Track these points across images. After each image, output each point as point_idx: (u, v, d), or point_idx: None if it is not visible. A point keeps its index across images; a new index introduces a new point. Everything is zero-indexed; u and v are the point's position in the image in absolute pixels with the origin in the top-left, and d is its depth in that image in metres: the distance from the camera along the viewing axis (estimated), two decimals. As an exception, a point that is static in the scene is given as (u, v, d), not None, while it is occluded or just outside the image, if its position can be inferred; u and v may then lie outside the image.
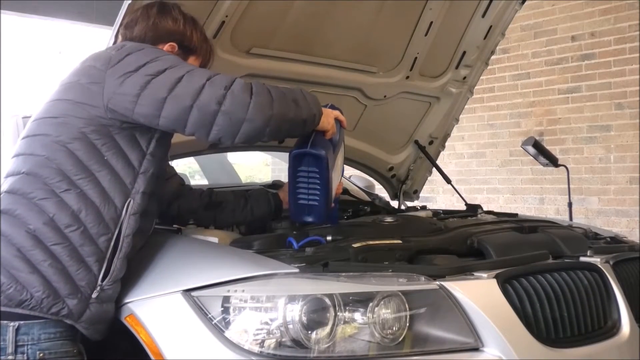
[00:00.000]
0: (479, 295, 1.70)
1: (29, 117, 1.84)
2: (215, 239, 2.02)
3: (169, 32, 1.89)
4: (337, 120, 2.00)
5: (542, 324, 1.76)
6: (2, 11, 6.48)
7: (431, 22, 2.83)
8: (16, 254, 1.60)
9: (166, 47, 1.87)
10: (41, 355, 1.61)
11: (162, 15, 1.90)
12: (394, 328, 1.62)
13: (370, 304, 1.61)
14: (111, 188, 1.69)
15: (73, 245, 1.63)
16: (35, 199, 1.64)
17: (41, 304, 1.59)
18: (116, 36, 1.92)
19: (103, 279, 1.67)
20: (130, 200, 1.71)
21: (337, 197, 2.19)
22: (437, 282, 1.69)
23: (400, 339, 1.62)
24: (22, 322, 1.59)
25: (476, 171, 6.33)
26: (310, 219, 1.96)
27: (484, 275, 1.77)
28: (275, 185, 2.85)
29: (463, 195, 3.27)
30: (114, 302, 1.72)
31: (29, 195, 1.65)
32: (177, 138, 2.44)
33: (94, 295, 1.65)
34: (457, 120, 3.34)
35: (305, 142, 1.90)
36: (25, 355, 1.60)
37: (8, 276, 1.58)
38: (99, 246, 1.66)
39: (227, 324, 1.60)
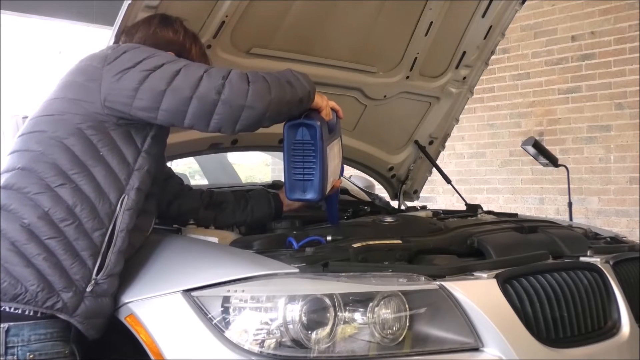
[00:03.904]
0: (479, 295, 1.70)
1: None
2: (215, 239, 2.02)
3: (168, 41, 1.90)
4: (333, 111, 2.01)
5: (542, 324, 1.76)
6: (2, 11, 6.48)
7: (431, 22, 2.83)
8: (10, 248, 1.61)
9: None
10: (31, 356, 1.61)
11: (163, 25, 1.93)
12: (394, 328, 1.62)
13: (370, 304, 1.61)
14: (106, 183, 1.70)
15: (68, 240, 1.64)
16: (30, 194, 1.65)
17: (36, 297, 1.59)
18: (117, 41, 1.94)
19: (97, 273, 1.68)
20: (124, 196, 1.72)
21: (336, 190, 2.18)
22: (437, 282, 1.69)
23: (400, 339, 1.62)
24: (11, 323, 1.60)
25: (476, 171, 6.33)
26: (306, 197, 1.90)
27: (484, 275, 1.77)
28: (275, 185, 2.85)
29: (463, 195, 3.27)
30: (109, 297, 1.73)
31: (24, 190, 1.66)
32: (177, 138, 2.45)
33: (88, 289, 1.66)
34: (457, 120, 3.34)
35: (299, 116, 1.89)
36: (15, 356, 1.60)
37: (2, 270, 1.59)
38: (94, 241, 1.67)
39: (227, 324, 1.60)
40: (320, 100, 1.92)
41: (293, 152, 1.89)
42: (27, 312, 1.61)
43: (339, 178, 2.18)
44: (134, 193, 1.74)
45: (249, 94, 1.69)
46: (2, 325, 1.59)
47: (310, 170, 1.88)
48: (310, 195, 1.90)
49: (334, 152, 2.03)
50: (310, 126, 1.86)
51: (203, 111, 1.68)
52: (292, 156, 1.89)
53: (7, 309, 1.60)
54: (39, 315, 1.62)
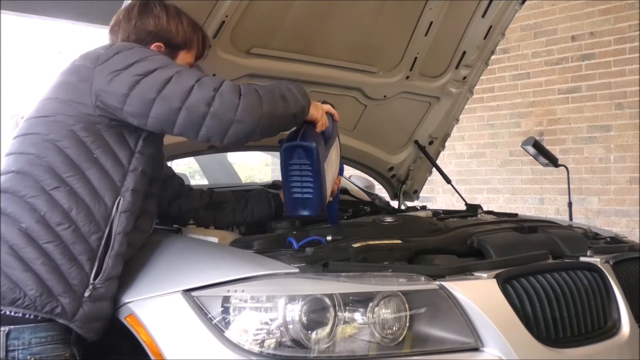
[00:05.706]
0: (479, 295, 1.70)
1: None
2: (215, 239, 2.02)
3: (151, 33, 1.86)
4: (328, 114, 2.00)
5: (542, 324, 1.76)
6: (2, 11, 6.48)
7: (431, 22, 2.83)
8: (9, 252, 1.60)
9: (152, 47, 1.86)
10: (32, 359, 1.61)
11: (142, 15, 1.87)
12: (394, 328, 1.62)
13: (370, 304, 1.61)
14: (101, 186, 1.69)
15: (65, 244, 1.64)
16: (26, 197, 1.65)
17: (35, 302, 1.59)
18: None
19: (95, 278, 1.67)
20: (120, 198, 1.71)
21: (336, 192, 2.18)
22: (437, 282, 1.69)
23: (400, 339, 1.62)
24: (12, 326, 1.60)
25: (476, 171, 6.33)
26: (306, 213, 1.96)
27: (484, 275, 1.77)
28: (275, 185, 2.85)
29: (463, 195, 3.27)
30: (108, 300, 1.72)
31: (20, 193, 1.65)
32: (177, 138, 2.44)
33: (86, 294, 1.65)
34: (457, 120, 3.34)
35: (295, 135, 1.90)
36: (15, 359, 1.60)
37: (1, 274, 1.58)
38: (91, 244, 1.67)
39: (227, 324, 1.60)
40: (315, 112, 1.91)
41: (291, 173, 1.93)
42: (27, 315, 1.61)
43: (339, 176, 2.19)
44: (129, 195, 1.73)
45: (239, 108, 1.66)
46: (2, 328, 1.59)
47: (308, 188, 1.92)
48: (309, 212, 1.96)
49: (331, 159, 2.04)
50: (306, 148, 1.88)
51: (192, 122, 1.66)
52: (290, 176, 1.94)
53: (8, 312, 1.59)
54: (39, 318, 1.62)
